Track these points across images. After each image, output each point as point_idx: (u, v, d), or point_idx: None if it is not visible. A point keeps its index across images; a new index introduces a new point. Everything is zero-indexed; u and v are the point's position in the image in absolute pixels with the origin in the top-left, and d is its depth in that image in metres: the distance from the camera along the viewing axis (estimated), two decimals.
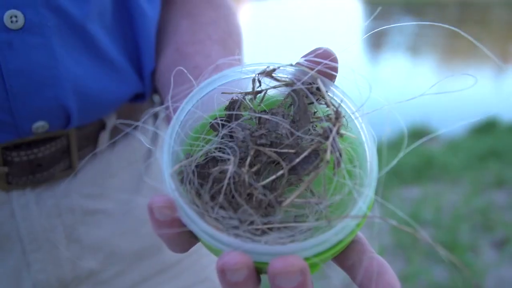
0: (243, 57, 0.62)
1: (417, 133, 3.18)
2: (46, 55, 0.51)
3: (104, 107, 0.58)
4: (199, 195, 0.31)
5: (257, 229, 0.30)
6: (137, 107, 0.65)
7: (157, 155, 0.36)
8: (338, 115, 0.31)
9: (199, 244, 0.71)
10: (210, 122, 0.34)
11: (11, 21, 0.48)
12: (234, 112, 0.34)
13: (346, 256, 0.34)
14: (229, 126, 0.33)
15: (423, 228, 2.36)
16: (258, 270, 0.30)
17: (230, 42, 0.59)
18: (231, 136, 0.33)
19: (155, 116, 0.69)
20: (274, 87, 0.34)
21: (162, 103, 0.63)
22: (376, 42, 6.92)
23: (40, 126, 0.54)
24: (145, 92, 0.63)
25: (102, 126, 0.61)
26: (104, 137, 0.61)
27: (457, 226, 2.41)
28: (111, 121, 0.61)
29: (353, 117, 0.33)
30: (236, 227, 0.30)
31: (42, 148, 0.56)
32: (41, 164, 0.56)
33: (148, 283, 0.65)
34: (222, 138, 0.33)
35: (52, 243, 0.59)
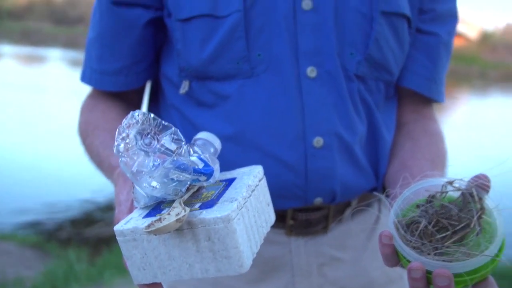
0: (446, 170, 0.94)
1: None
2: (330, 162, 0.89)
3: (354, 194, 0.96)
4: (404, 236, 0.64)
5: (430, 254, 0.62)
6: (368, 195, 1.01)
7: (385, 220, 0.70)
8: (482, 209, 0.63)
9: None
10: (416, 204, 0.68)
11: (316, 143, 0.89)
12: (429, 199, 0.67)
13: (482, 285, 0.63)
14: (425, 206, 0.66)
15: None
16: (428, 279, 0.61)
17: (437, 161, 0.93)
18: (426, 211, 0.66)
19: (379, 200, 1.03)
20: (453, 190, 0.67)
21: (387, 194, 0.98)
22: None
23: (318, 200, 0.92)
24: (377, 186, 0.98)
25: (348, 204, 0.98)
26: (348, 211, 0.98)
27: None
28: (354, 202, 0.98)
29: (492, 210, 0.64)
30: (421, 252, 0.62)
31: (314, 214, 0.94)
32: (311, 222, 0.95)
33: None
34: (421, 211, 0.66)
35: (309, 273, 0.95)
